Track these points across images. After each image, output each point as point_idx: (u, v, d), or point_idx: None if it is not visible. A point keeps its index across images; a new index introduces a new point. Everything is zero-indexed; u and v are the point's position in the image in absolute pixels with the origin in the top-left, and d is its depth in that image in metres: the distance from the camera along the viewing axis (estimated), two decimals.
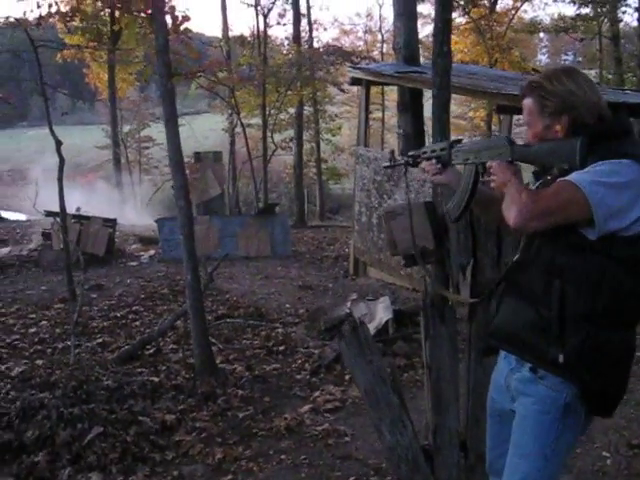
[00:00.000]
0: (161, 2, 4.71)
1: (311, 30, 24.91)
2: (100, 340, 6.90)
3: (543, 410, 2.11)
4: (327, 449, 4.36)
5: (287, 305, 8.63)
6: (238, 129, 21.99)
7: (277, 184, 31.57)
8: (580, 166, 1.99)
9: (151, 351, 6.40)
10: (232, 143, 22.78)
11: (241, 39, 21.40)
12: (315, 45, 23.33)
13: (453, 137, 3.25)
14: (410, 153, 2.55)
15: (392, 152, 2.75)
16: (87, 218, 12.15)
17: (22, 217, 23.60)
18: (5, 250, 13.02)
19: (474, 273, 3.19)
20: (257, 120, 22.34)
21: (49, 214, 11.47)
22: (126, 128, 30.34)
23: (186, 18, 6.42)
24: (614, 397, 2.14)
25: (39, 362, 6.11)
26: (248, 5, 21.09)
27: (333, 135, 28.39)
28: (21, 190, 27.79)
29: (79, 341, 6.94)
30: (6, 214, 22.87)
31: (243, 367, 5.86)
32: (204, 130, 33.04)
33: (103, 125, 30.24)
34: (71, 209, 13.82)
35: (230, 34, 22.79)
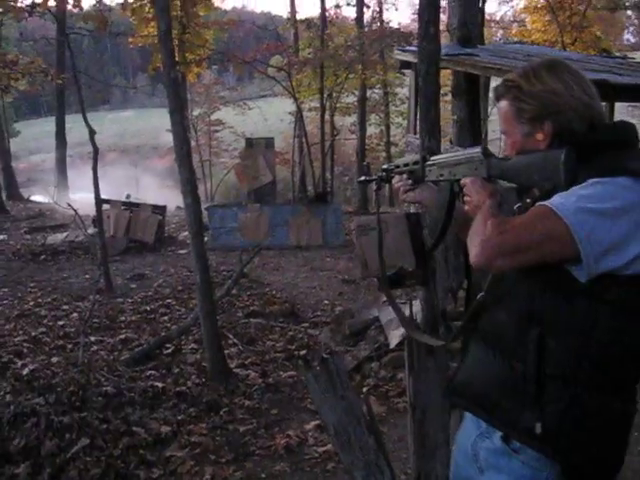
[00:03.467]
0: None
1: (381, 11, 24.26)
2: (123, 337, 6.70)
3: None
4: (323, 475, 3.98)
5: (326, 302, 8.25)
6: (307, 113, 21.71)
7: (349, 168, 31.06)
8: (566, 185, 1.53)
9: (170, 350, 6.15)
10: (297, 128, 22.47)
11: (307, 21, 20.92)
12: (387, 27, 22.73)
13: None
14: (383, 167, 2.19)
15: (367, 165, 2.41)
16: (137, 205, 12.08)
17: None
18: (62, 236, 13.12)
19: (468, 298, 2.71)
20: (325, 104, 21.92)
21: (99, 200, 11.43)
22: (197, 112, 30.41)
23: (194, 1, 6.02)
24: (607, 475, 1.67)
25: (55, 360, 5.94)
26: None
27: (403, 118, 27.66)
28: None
29: (102, 336, 6.80)
30: (77, 196, 23.33)
31: (258, 373, 5.53)
32: (280, 113, 32.77)
33: None
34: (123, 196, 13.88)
35: (298, 16, 22.48)
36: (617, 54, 15.94)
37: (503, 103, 1.76)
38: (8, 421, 4.38)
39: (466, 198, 1.76)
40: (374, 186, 2.26)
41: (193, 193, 5.00)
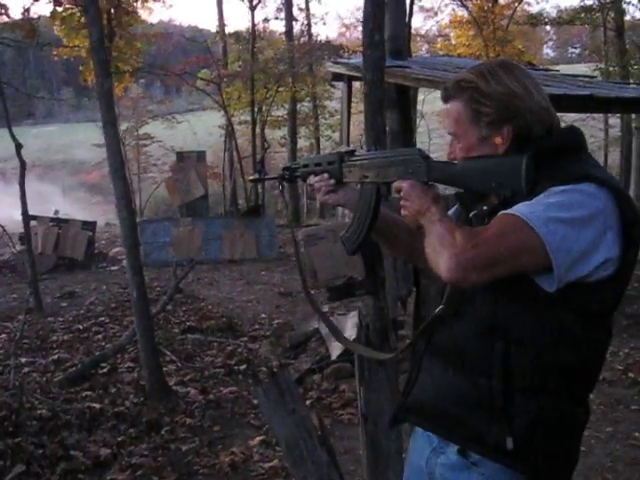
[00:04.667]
0: None
1: (309, 25, 24.39)
2: (56, 357, 6.47)
3: None
4: None
5: (263, 315, 8.18)
6: (237, 126, 21.58)
7: None
8: (527, 193, 1.48)
9: (105, 370, 5.97)
10: (228, 141, 22.32)
11: (236, 35, 20.85)
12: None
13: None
14: (285, 166, 2.01)
15: (261, 161, 2.23)
16: (65, 221, 11.74)
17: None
18: None
19: (417, 306, 2.72)
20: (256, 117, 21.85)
21: (27, 217, 11.05)
22: (125, 126, 29.85)
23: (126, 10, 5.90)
24: (567, 478, 1.66)
25: None
26: None
27: (333, 131, 27.84)
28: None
29: (34, 357, 6.55)
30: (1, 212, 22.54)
31: (198, 390, 5.41)
32: (209, 127, 32.45)
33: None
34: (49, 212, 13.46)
35: (226, 29, 22.36)
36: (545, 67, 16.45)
37: (455, 105, 1.65)
38: None
39: (404, 203, 1.65)
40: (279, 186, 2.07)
41: (128, 207, 4.88)
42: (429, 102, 22.66)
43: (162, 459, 4.31)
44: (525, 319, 1.52)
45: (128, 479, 4.06)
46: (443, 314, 1.65)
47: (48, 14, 11.41)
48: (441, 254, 1.49)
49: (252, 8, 18.54)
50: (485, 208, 1.57)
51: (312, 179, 1.92)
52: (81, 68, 26.63)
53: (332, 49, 18.06)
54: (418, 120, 19.76)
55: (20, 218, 9.94)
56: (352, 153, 1.88)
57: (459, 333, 1.63)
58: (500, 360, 1.53)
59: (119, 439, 4.51)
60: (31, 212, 11.36)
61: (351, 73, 9.45)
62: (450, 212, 1.79)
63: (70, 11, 12.19)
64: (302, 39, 20.66)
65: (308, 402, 5.11)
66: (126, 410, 4.94)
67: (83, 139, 37.42)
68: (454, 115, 1.66)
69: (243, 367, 5.95)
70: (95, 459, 4.23)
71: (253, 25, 18.85)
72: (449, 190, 1.75)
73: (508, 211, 1.48)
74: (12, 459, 4.08)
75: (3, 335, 7.34)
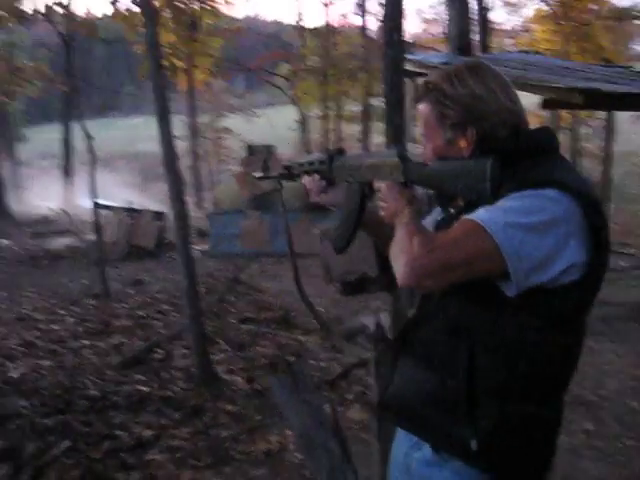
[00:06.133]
0: None
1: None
2: (116, 341, 6.73)
3: None
4: None
5: (320, 308, 8.24)
6: (315, 120, 21.77)
7: None
8: (491, 196, 1.47)
9: (161, 355, 6.18)
10: (303, 135, 22.52)
11: (315, 31, 21.01)
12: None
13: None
14: (285, 164, 2.06)
15: (266, 161, 2.28)
16: (138, 211, 12.15)
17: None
18: (64, 241, 13.21)
19: (397, 312, 2.73)
20: (329, 112, 21.97)
21: (99, 206, 11.51)
22: (204, 119, 30.53)
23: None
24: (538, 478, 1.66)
25: (46, 363, 5.98)
26: None
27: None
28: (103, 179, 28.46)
29: (95, 341, 6.83)
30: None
31: (244, 379, 5.54)
32: (289, 121, 32.85)
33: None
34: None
35: (306, 24, 22.60)
36: (624, 64, 15.88)
37: (423, 106, 1.67)
38: None
39: (381, 204, 1.68)
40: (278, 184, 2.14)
41: (180, 199, 5.04)
42: None
43: (201, 443, 4.45)
44: (488, 322, 1.53)
45: (166, 460, 4.21)
46: (417, 315, 1.70)
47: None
48: (398, 259, 1.50)
49: (326, 4, 18.68)
50: (452, 211, 1.58)
51: (305, 179, 1.97)
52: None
53: (408, 45, 17.94)
54: None
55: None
56: (342, 152, 1.92)
57: (429, 333, 1.65)
58: (465, 361, 1.55)
59: (162, 422, 4.68)
60: (108, 202, 11.89)
61: (416, 69, 9.39)
62: (434, 212, 1.81)
63: (130, 12, 12.60)
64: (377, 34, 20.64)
65: (351, 396, 5.18)
66: (173, 395, 5.12)
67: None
68: (423, 117, 1.67)
69: (292, 359, 6.04)
70: (138, 440, 4.41)
71: (327, 21, 18.98)
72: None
73: (468, 216, 1.48)
74: (60, 435, 4.30)
75: (70, 319, 7.67)
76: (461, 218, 1.51)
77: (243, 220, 12.52)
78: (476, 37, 16.15)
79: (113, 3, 10.80)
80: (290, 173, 2.04)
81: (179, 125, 30.38)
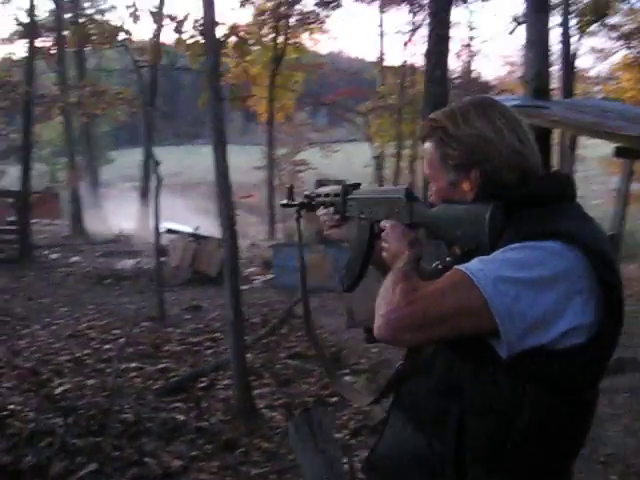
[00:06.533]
0: (211, 21, 4.43)
1: (470, 61, 24.29)
2: (163, 366, 6.73)
3: None
4: None
5: (374, 350, 8.06)
6: (391, 158, 21.77)
7: None
8: (490, 246, 1.32)
9: (204, 384, 6.13)
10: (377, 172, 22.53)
11: (394, 69, 21.12)
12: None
13: None
14: (306, 193, 1.99)
15: (290, 188, 2.22)
16: (205, 238, 12.29)
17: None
18: (132, 262, 13.49)
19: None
20: (405, 150, 21.92)
21: (168, 231, 11.74)
22: (282, 151, 30.99)
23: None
24: None
25: (90, 382, 6.02)
26: (402, 33, 20.81)
27: None
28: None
29: (143, 364, 6.85)
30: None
31: (284, 416, 5.42)
32: (367, 158, 33.11)
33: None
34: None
35: (387, 63, 22.74)
36: None
37: (427, 145, 1.56)
38: (25, 438, 4.46)
39: (384, 244, 1.57)
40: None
41: (231, 229, 5.01)
42: (591, 147, 21.64)
43: (229, 479, 4.35)
44: (481, 384, 1.36)
45: None
46: (403, 370, 1.57)
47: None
48: (379, 308, 1.37)
49: (405, 43, 18.82)
50: (448, 259, 1.44)
51: (320, 211, 1.90)
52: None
53: (489, 88, 17.83)
54: (577, 165, 18.87)
55: (162, 231, 10.59)
56: (357, 187, 1.83)
57: (419, 390, 1.51)
58: (454, 426, 1.39)
59: (193, 453, 4.60)
60: (177, 226, 12.07)
61: None
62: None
63: (193, 39, 12.88)
64: (456, 76, 20.62)
65: None
66: (209, 426, 5.04)
67: (244, 161, 39.24)
68: (427, 156, 1.56)
69: (334, 400, 5.88)
70: (166, 469, 4.33)
71: (403, 61, 19.04)
72: None
73: (459, 266, 1.33)
74: (89, 457, 4.27)
75: (123, 339, 7.74)
76: (452, 268, 1.36)
77: (306, 253, 12.49)
78: (560, 82, 15.89)
79: (177, 31, 11.04)
80: (309, 204, 1.98)
81: (258, 155, 31.05)
